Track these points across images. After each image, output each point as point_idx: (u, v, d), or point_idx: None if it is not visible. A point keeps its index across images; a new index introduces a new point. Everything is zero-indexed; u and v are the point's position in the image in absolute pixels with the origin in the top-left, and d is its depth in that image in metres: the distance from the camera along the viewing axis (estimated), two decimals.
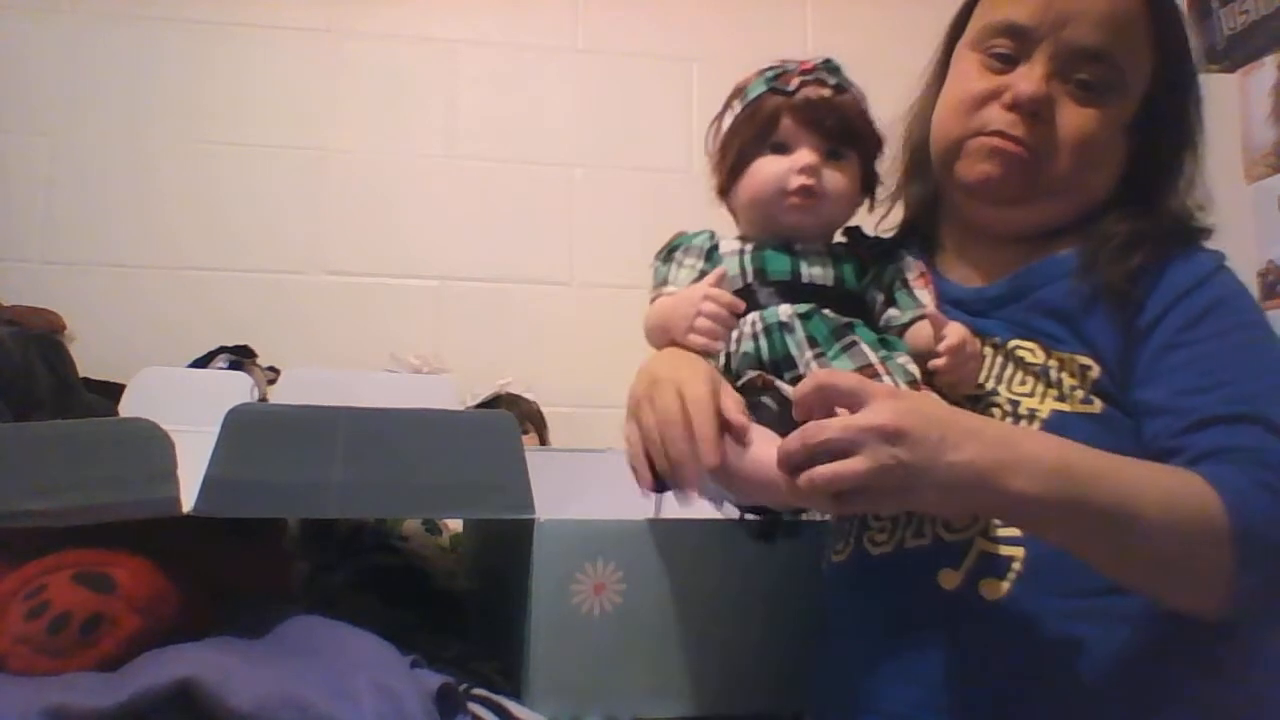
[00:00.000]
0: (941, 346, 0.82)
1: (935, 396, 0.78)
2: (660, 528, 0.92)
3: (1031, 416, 0.82)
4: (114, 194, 2.22)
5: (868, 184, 0.92)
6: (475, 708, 0.80)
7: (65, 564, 0.79)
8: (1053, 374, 0.83)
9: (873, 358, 0.79)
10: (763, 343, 0.82)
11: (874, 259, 0.90)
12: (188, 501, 0.81)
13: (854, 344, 0.80)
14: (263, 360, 2.07)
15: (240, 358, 2.04)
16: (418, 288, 2.31)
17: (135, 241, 2.21)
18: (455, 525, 1.40)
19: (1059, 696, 0.77)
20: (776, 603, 0.95)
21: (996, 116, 0.87)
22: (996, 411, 0.84)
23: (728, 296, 0.84)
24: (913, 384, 0.79)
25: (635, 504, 0.92)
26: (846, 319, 0.83)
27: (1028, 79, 0.86)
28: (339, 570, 1.17)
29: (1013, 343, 0.87)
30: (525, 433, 2.00)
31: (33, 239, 2.18)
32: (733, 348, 0.84)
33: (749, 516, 0.89)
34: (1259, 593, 0.73)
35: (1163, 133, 0.91)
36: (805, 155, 0.85)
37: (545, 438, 2.17)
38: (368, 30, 2.37)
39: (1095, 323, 0.84)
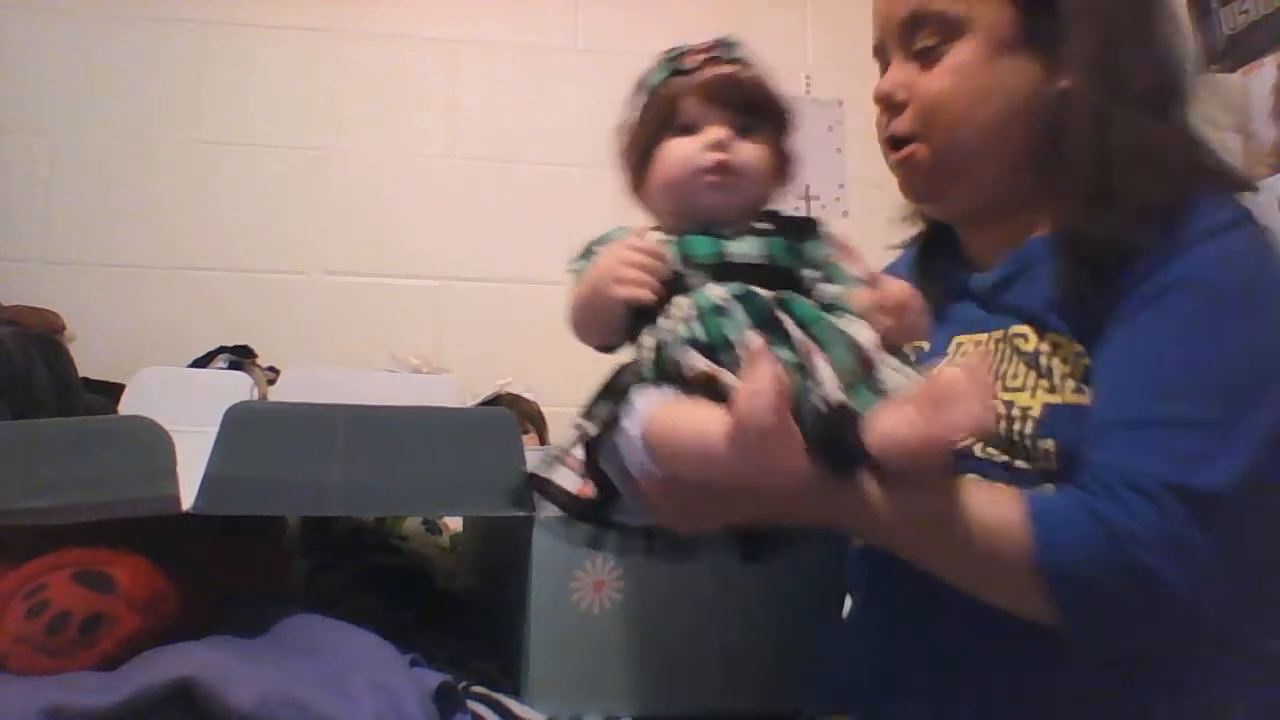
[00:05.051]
0: (887, 301, 0.76)
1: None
2: (660, 526, 0.92)
3: (1024, 416, 0.79)
4: (114, 194, 2.22)
5: (782, 164, 0.86)
6: (475, 706, 0.80)
7: (65, 563, 0.79)
8: (1043, 361, 0.80)
9: (804, 351, 0.72)
10: (698, 327, 0.74)
11: (798, 237, 0.83)
12: (187, 500, 0.81)
13: (786, 334, 0.73)
14: (263, 360, 2.07)
15: (240, 358, 2.04)
16: (418, 288, 2.31)
17: (135, 241, 2.21)
18: (455, 525, 1.40)
19: (1075, 685, 0.77)
20: (776, 602, 0.95)
21: (883, 121, 0.90)
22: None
23: (651, 244, 0.78)
24: (859, 353, 0.72)
25: None
26: (778, 294, 0.76)
27: (879, 80, 0.88)
28: (339, 570, 1.17)
29: (1012, 329, 0.84)
30: (525, 433, 2.00)
31: (33, 239, 2.18)
32: (666, 336, 0.75)
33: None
34: (1095, 626, 0.71)
35: (1078, 26, 0.82)
36: (715, 131, 0.81)
37: (545, 438, 2.17)
38: (368, 30, 2.37)
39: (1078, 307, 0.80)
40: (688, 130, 0.82)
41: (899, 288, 0.78)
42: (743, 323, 0.73)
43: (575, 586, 0.88)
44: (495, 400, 2.11)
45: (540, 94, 2.40)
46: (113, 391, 1.70)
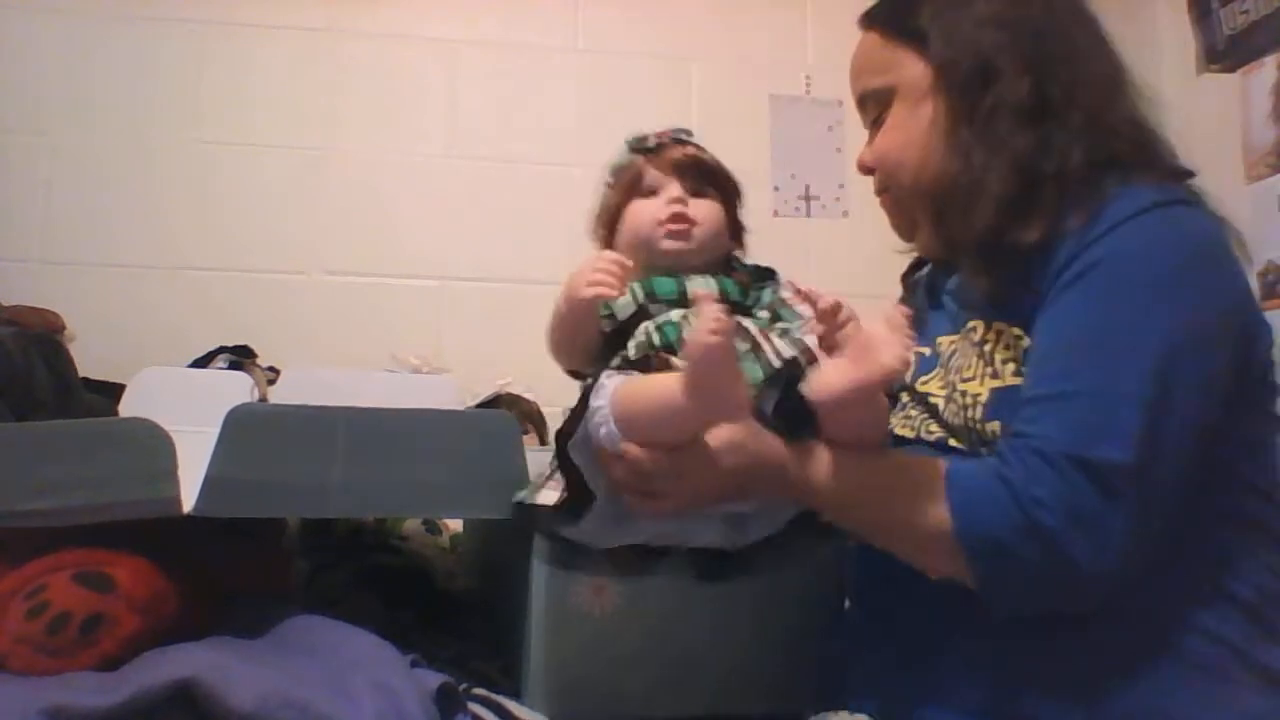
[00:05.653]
0: (821, 307, 0.87)
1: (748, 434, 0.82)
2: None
3: (975, 403, 0.85)
4: (114, 194, 2.22)
5: (734, 224, 0.99)
6: (475, 707, 0.80)
7: (65, 564, 0.79)
8: (988, 349, 0.86)
9: (755, 333, 0.83)
10: (655, 335, 0.86)
11: (751, 282, 0.94)
12: (188, 501, 0.81)
13: (741, 327, 0.83)
14: (263, 360, 2.07)
15: (240, 358, 2.04)
16: (418, 288, 2.31)
17: (135, 241, 2.21)
18: (455, 525, 1.40)
19: (1077, 681, 0.78)
20: (777, 604, 0.95)
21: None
22: (953, 406, 0.87)
23: (616, 255, 0.91)
24: (806, 350, 0.83)
25: None
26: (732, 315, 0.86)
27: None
28: (339, 570, 1.17)
29: (969, 323, 0.90)
30: (525, 433, 2.00)
31: (33, 239, 2.17)
32: (631, 350, 0.87)
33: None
34: (1004, 588, 0.76)
35: (949, 63, 0.91)
36: (673, 189, 0.94)
37: (545, 438, 2.17)
38: (368, 30, 2.37)
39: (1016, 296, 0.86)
40: (651, 193, 0.95)
41: (829, 300, 0.88)
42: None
43: (576, 589, 0.88)
44: (495, 400, 2.11)
45: (540, 94, 2.40)
46: (113, 391, 1.70)
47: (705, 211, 0.95)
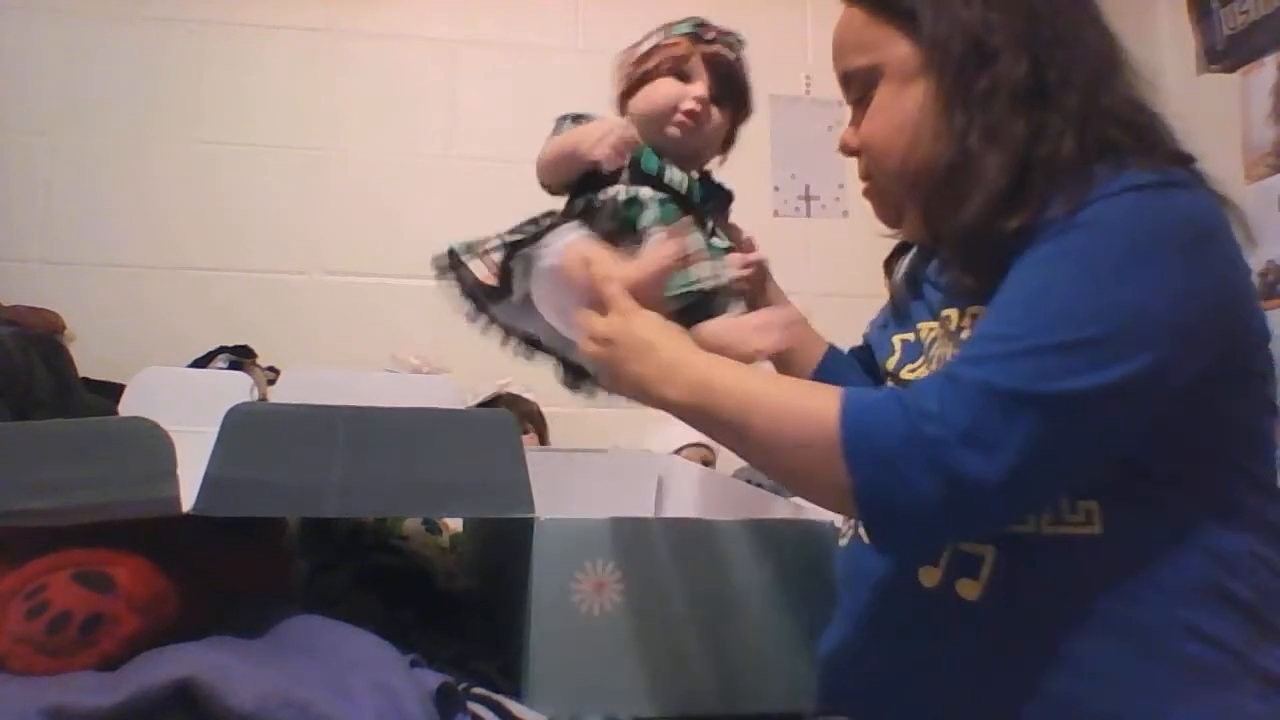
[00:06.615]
0: (750, 258, 1.02)
1: (654, 318, 0.90)
2: (660, 527, 0.92)
3: None
4: (114, 194, 2.22)
5: (728, 141, 1.08)
6: (475, 707, 0.80)
7: (65, 563, 0.79)
8: (964, 338, 0.84)
9: (693, 249, 0.95)
10: (622, 212, 0.98)
11: (711, 194, 1.05)
12: (188, 501, 0.80)
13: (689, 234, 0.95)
14: (263, 360, 2.07)
15: (240, 358, 2.05)
16: (418, 288, 2.31)
17: (135, 241, 2.21)
18: (455, 525, 1.40)
19: (1038, 694, 0.77)
20: (776, 603, 0.95)
21: None
22: None
23: (634, 131, 1.01)
24: (724, 286, 0.96)
25: (635, 504, 0.92)
26: (687, 218, 0.98)
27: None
28: (339, 570, 1.17)
29: (944, 311, 0.89)
30: (525, 433, 2.00)
31: (33, 239, 2.18)
32: (599, 204, 0.99)
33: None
34: (888, 501, 0.74)
35: (941, 43, 0.88)
36: (701, 87, 1.02)
37: (545, 438, 2.17)
38: (368, 30, 2.37)
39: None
40: (683, 77, 1.03)
41: (757, 258, 1.05)
42: (654, 218, 0.97)
43: (576, 589, 0.88)
44: (495, 400, 2.11)
45: (540, 94, 2.41)
46: (113, 391, 1.70)
47: (715, 120, 1.04)
